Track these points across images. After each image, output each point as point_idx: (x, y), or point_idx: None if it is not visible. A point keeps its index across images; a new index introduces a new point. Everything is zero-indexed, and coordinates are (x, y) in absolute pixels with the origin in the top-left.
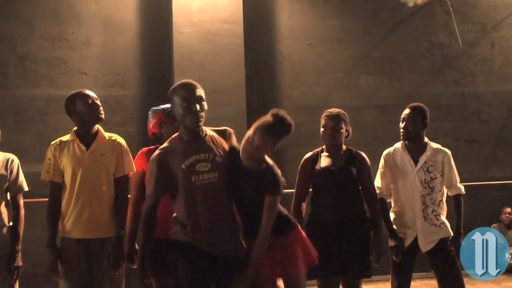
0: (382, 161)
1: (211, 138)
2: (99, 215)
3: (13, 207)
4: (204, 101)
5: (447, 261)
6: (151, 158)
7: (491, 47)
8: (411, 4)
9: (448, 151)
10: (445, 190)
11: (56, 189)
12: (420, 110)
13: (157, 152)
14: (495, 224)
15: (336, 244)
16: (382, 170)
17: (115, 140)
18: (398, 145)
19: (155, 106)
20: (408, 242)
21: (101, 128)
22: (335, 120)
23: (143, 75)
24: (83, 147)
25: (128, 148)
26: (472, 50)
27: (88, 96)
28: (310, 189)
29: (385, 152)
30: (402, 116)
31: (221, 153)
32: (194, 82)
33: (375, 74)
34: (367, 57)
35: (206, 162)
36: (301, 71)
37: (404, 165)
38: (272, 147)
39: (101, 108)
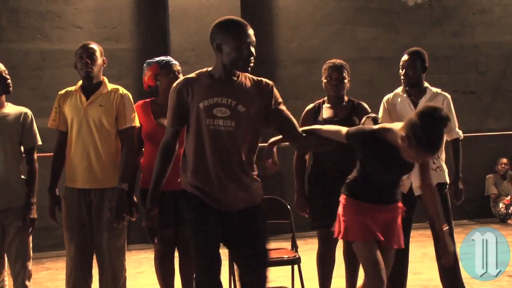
0: (382, 107)
1: (242, 84)
2: (97, 166)
3: (27, 161)
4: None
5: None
6: (172, 86)
7: None
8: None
9: (448, 95)
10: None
11: (61, 137)
12: (419, 55)
13: (179, 81)
14: (490, 175)
15: (338, 195)
16: (382, 115)
17: (116, 92)
18: (399, 90)
19: (150, 59)
20: (405, 188)
21: (106, 80)
22: (339, 70)
23: (138, 28)
24: (84, 98)
25: (131, 101)
26: (471, 0)
27: (81, 51)
28: None
29: (385, 97)
30: (401, 63)
31: (247, 102)
32: (246, 22)
33: (372, 25)
34: (364, 8)
35: (226, 108)
36: (298, 23)
37: (404, 108)
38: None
39: (88, 68)
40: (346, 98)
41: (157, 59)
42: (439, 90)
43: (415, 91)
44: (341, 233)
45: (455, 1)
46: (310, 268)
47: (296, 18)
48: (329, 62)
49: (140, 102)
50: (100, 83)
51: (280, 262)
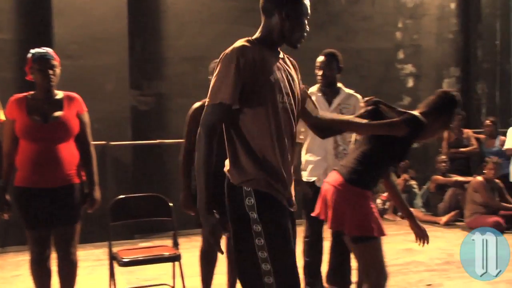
0: None
1: (285, 59)
2: None
3: None
4: None
5: None
6: (227, 53)
7: (372, 5)
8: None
9: (360, 96)
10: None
11: None
12: (335, 56)
13: (239, 47)
14: None
15: None
16: None
17: None
18: (314, 89)
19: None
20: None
21: None
22: None
23: (20, 18)
24: None
25: None
26: (354, 7)
27: None
28: None
29: None
30: (318, 63)
31: (294, 78)
32: None
33: (259, 26)
34: (252, 9)
35: (286, 83)
36: (185, 21)
37: (318, 107)
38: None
39: None
40: None
41: (33, 51)
42: (351, 91)
43: (329, 91)
44: (375, 230)
45: (339, 7)
46: (191, 265)
47: (184, 15)
48: (216, 61)
49: (16, 96)
50: None
51: (161, 259)
